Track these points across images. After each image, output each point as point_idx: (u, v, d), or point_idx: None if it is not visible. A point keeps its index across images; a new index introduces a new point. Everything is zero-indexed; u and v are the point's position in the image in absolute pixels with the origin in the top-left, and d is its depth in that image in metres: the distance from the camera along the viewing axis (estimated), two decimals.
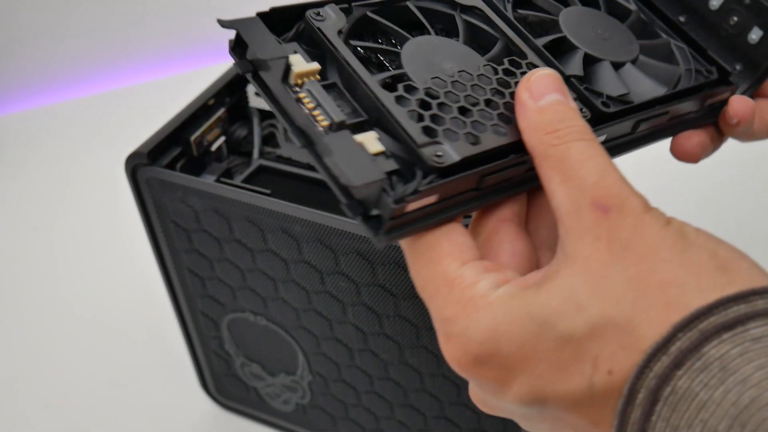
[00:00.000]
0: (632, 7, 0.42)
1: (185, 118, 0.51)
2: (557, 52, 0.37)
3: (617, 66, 0.38)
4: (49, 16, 0.99)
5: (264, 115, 0.56)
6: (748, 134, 0.41)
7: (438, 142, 0.29)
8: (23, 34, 0.99)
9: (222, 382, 0.63)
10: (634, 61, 0.38)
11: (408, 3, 0.36)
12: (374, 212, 0.28)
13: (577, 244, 0.27)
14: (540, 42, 0.37)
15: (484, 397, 0.30)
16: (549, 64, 0.36)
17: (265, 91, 0.31)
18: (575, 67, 0.36)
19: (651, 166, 0.66)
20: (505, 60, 0.34)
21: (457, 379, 0.48)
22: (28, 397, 0.67)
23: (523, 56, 0.35)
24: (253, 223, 0.47)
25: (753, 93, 0.42)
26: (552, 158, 0.29)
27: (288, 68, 0.30)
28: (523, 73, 0.33)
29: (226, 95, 0.54)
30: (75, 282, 0.77)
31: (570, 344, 0.26)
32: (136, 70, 1.04)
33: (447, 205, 0.30)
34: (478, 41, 0.37)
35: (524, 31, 0.37)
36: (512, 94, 0.32)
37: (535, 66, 0.34)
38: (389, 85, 0.31)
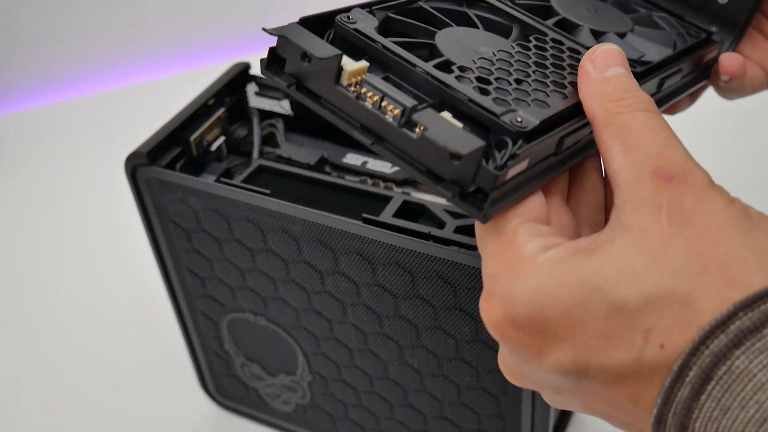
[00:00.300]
0: None
1: (185, 118, 0.50)
2: (563, 27, 0.39)
3: (621, 36, 0.40)
4: (48, 16, 0.99)
5: (264, 115, 0.56)
6: (739, 91, 0.44)
7: (513, 110, 0.29)
8: (23, 34, 0.99)
9: (222, 383, 0.63)
10: (632, 31, 0.41)
11: (421, 3, 0.37)
12: (471, 188, 0.28)
13: (636, 213, 0.27)
14: (549, 23, 0.39)
15: (515, 365, 0.29)
16: (566, 38, 0.37)
17: (314, 99, 0.31)
18: (588, 40, 0.38)
19: None
20: (532, 37, 0.35)
21: (457, 379, 0.48)
22: (28, 397, 0.67)
23: (544, 34, 0.36)
24: (253, 223, 0.47)
25: (735, 46, 0.46)
26: (615, 126, 0.28)
27: (340, 69, 0.30)
28: (553, 47, 0.35)
29: (226, 95, 0.54)
30: (75, 282, 0.77)
31: (622, 313, 0.25)
32: (135, 70, 1.04)
33: (534, 172, 0.30)
34: (495, 30, 0.37)
35: (530, 15, 0.38)
36: (554, 66, 0.33)
37: (560, 41, 0.35)
38: (442, 69, 0.31)
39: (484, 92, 0.30)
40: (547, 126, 0.30)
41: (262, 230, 0.47)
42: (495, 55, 0.33)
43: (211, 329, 0.58)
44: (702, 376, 0.24)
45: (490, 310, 0.27)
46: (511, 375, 0.30)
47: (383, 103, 0.29)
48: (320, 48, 0.30)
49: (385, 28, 0.34)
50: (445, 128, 0.28)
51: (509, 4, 0.39)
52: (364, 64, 0.30)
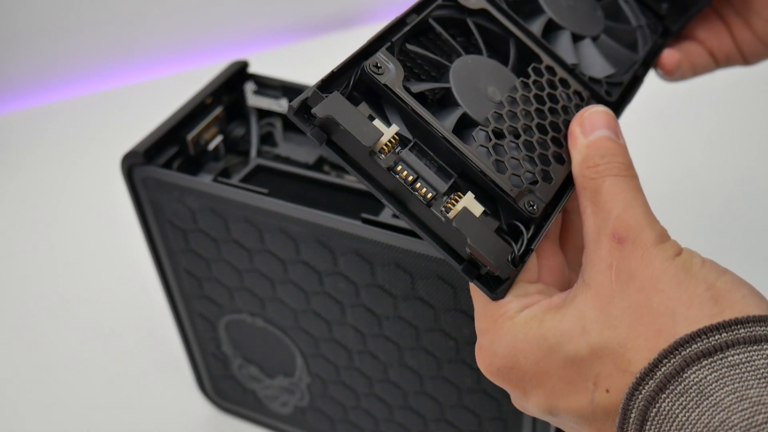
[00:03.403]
0: None
1: (182, 117, 0.50)
2: (547, 30, 0.40)
3: (595, 39, 0.41)
4: (45, 15, 0.99)
5: (262, 113, 0.55)
6: (677, 78, 0.46)
7: (527, 191, 0.32)
8: (20, 33, 0.99)
9: (219, 384, 0.62)
10: (605, 30, 0.42)
11: (430, 20, 0.37)
12: (484, 270, 0.32)
13: (593, 271, 0.31)
14: (536, 29, 0.39)
15: (514, 402, 0.34)
16: (555, 58, 0.38)
17: (344, 156, 0.32)
18: (569, 52, 0.39)
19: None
20: (529, 70, 0.37)
21: (457, 381, 0.48)
22: (24, 399, 0.66)
23: (540, 59, 0.38)
24: (251, 223, 0.47)
25: (682, 30, 0.47)
26: (588, 190, 0.32)
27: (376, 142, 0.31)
28: (549, 80, 0.37)
29: (224, 94, 0.54)
30: (72, 282, 0.76)
31: (576, 364, 0.30)
32: (133, 69, 1.04)
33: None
34: (493, 45, 0.39)
35: (524, 24, 0.39)
36: (551, 111, 0.36)
37: (552, 68, 0.37)
38: (459, 127, 0.33)
39: (500, 167, 0.32)
40: (554, 200, 0.33)
41: (260, 230, 0.47)
42: (503, 104, 0.34)
43: (209, 330, 0.57)
44: (640, 417, 0.27)
45: (480, 360, 0.33)
46: (518, 407, 0.34)
47: (416, 185, 0.31)
48: (366, 132, 0.30)
49: (402, 62, 0.35)
50: (481, 235, 0.30)
51: (503, 3, 0.40)
52: (394, 129, 0.31)
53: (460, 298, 0.43)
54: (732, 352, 0.27)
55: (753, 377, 0.26)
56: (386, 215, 0.45)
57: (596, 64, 0.40)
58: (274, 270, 0.49)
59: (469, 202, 0.31)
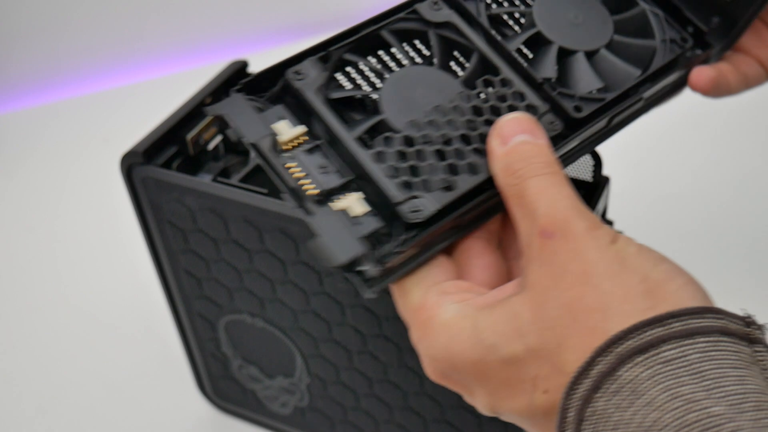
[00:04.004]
0: None
1: (181, 117, 0.50)
2: (534, 45, 0.39)
3: (591, 54, 0.39)
4: (44, 14, 0.99)
5: None
6: (719, 94, 0.44)
7: (414, 197, 0.33)
8: (19, 32, 0.99)
9: (219, 385, 0.62)
10: (608, 45, 0.40)
11: (383, 32, 0.38)
12: (361, 268, 0.32)
13: (528, 271, 0.30)
14: (513, 45, 0.38)
15: (466, 400, 0.33)
16: (521, 72, 0.37)
17: (257, 151, 0.34)
18: (549, 66, 0.38)
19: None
20: (479, 82, 0.36)
21: None
22: (23, 399, 0.66)
23: (497, 72, 0.37)
24: (250, 223, 0.47)
25: (728, 49, 0.44)
26: (513, 197, 0.31)
27: (275, 139, 0.34)
28: (497, 93, 0.36)
29: (223, 93, 0.53)
30: (71, 283, 0.76)
31: (513, 365, 0.29)
32: (132, 69, 1.04)
33: (429, 245, 0.33)
34: (455, 57, 0.38)
35: (496, 37, 0.38)
36: (487, 122, 0.35)
37: (509, 81, 0.37)
38: (372, 133, 0.35)
39: (396, 172, 0.33)
40: (448, 208, 0.33)
41: (260, 230, 0.47)
42: (429, 114, 0.35)
43: (209, 331, 0.57)
44: (577, 417, 0.27)
45: (424, 368, 0.32)
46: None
47: (304, 181, 0.33)
48: (251, 129, 0.34)
49: (341, 68, 0.37)
50: (335, 231, 0.32)
51: (481, 17, 0.39)
52: (300, 130, 0.34)
53: None
54: (665, 348, 0.26)
55: (686, 373, 0.26)
56: None
57: (582, 80, 0.38)
58: (273, 270, 0.49)
59: (352, 201, 0.33)
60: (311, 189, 0.33)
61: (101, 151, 0.82)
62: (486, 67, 0.37)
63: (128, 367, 0.68)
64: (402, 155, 0.34)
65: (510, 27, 0.41)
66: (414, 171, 0.34)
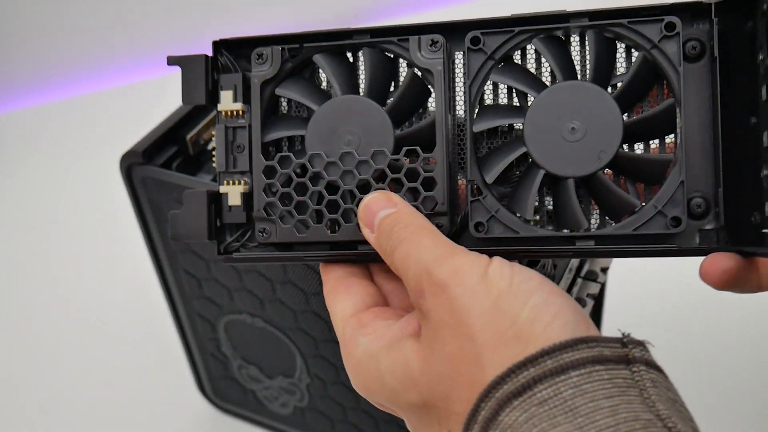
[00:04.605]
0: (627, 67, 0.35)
1: (181, 117, 0.50)
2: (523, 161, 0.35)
3: (586, 180, 0.34)
4: (45, 15, 0.99)
5: None
6: (732, 291, 0.34)
7: (271, 221, 0.35)
8: (18, 32, 0.99)
9: (219, 385, 0.62)
10: (609, 165, 0.33)
11: (360, 53, 0.37)
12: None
13: (411, 324, 0.32)
14: (479, 127, 0.34)
15: None
16: (453, 159, 0.35)
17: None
18: (492, 174, 0.34)
19: None
20: (404, 149, 0.34)
21: None
22: (24, 399, 0.66)
23: (431, 147, 0.34)
24: None
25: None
26: (391, 267, 0.32)
27: (217, 101, 0.36)
28: (411, 171, 0.34)
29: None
30: (70, 282, 0.76)
31: (417, 410, 0.31)
32: (132, 69, 1.04)
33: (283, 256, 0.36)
34: (411, 104, 0.36)
35: (458, 114, 0.35)
36: (394, 180, 0.35)
37: (430, 165, 0.34)
38: (279, 144, 0.37)
39: (271, 190, 0.35)
40: (290, 246, 0.36)
41: None
42: (336, 156, 0.34)
43: (208, 331, 0.57)
44: None
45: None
46: None
47: (213, 153, 0.37)
48: (193, 94, 0.36)
49: (305, 67, 0.37)
50: (193, 213, 0.35)
51: (463, 90, 0.35)
52: (236, 107, 0.36)
53: None
54: (539, 388, 0.27)
55: (560, 412, 0.26)
56: None
57: (566, 211, 0.34)
58: (273, 270, 0.49)
59: (235, 191, 0.36)
60: (213, 162, 0.36)
61: (101, 151, 0.82)
62: (425, 136, 0.34)
63: (128, 367, 0.68)
64: (287, 181, 0.35)
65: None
66: (284, 200, 0.35)
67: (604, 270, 0.48)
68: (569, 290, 0.45)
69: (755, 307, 0.67)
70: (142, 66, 1.04)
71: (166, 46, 1.04)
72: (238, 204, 0.36)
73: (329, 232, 0.35)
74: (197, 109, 0.51)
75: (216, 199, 0.36)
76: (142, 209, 0.50)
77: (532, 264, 0.44)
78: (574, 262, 0.46)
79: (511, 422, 0.27)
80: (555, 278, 0.42)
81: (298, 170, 0.35)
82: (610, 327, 0.62)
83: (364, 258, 0.35)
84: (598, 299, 0.55)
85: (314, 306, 0.49)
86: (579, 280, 0.47)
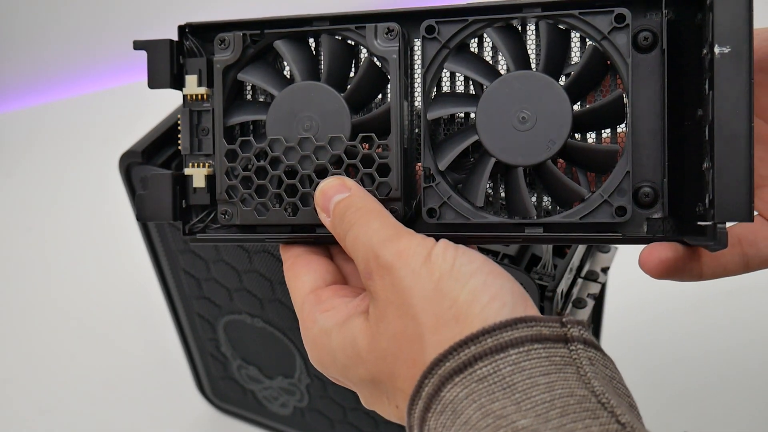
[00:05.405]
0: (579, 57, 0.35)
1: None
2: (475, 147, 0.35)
3: (536, 168, 0.34)
4: (44, 15, 0.98)
5: None
6: (683, 278, 0.34)
7: (233, 203, 0.36)
8: (17, 32, 0.99)
9: (219, 385, 0.62)
10: (559, 155, 0.33)
11: (323, 35, 0.36)
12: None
13: (365, 303, 0.32)
14: (433, 115, 0.34)
15: None
16: (409, 145, 0.35)
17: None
18: (445, 162, 0.34)
19: None
20: (360, 135, 0.35)
21: None
22: (23, 400, 0.66)
23: (386, 133, 0.34)
24: None
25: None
26: (346, 250, 0.33)
27: (182, 84, 0.37)
28: (366, 157, 0.35)
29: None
30: (69, 282, 0.76)
31: (366, 385, 0.32)
32: (131, 68, 1.04)
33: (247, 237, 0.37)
34: (369, 91, 0.36)
35: (414, 101, 0.36)
36: (351, 167, 0.35)
37: (386, 151, 0.34)
38: (245, 128, 0.38)
39: (232, 174, 0.36)
40: (251, 228, 0.37)
41: None
42: (295, 141, 0.35)
43: (208, 331, 0.57)
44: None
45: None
46: None
47: (178, 135, 0.37)
48: (158, 77, 0.38)
49: (267, 53, 0.38)
50: (159, 194, 0.36)
51: (420, 75, 0.35)
52: (201, 90, 0.37)
53: None
54: (480, 365, 0.28)
55: (499, 388, 0.27)
56: None
57: (515, 200, 0.34)
58: (273, 270, 0.48)
59: (199, 173, 0.37)
60: (179, 145, 0.37)
61: (100, 150, 0.82)
62: (381, 123, 0.35)
63: (127, 367, 0.68)
64: (247, 165, 0.36)
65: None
66: (245, 183, 0.36)
67: (605, 270, 0.48)
68: (569, 290, 0.45)
69: (756, 307, 0.67)
70: (141, 66, 1.04)
71: None
72: (203, 186, 0.37)
73: (288, 215, 0.36)
74: None
75: (181, 182, 0.37)
76: None
77: (532, 263, 0.44)
78: (575, 262, 0.46)
79: (453, 398, 0.28)
80: (555, 278, 0.42)
81: (259, 154, 0.36)
82: (611, 327, 0.62)
83: (322, 240, 0.36)
84: (599, 299, 0.55)
85: None
86: (579, 280, 0.47)
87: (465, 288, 0.30)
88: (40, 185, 0.88)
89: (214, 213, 0.37)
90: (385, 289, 0.31)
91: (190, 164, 0.37)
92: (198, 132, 0.37)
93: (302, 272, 0.35)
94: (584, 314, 0.46)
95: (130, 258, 0.74)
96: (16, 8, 0.97)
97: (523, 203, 0.34)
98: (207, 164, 0.37)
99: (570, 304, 0.45)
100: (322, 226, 0.35)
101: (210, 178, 0.37)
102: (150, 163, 0.47)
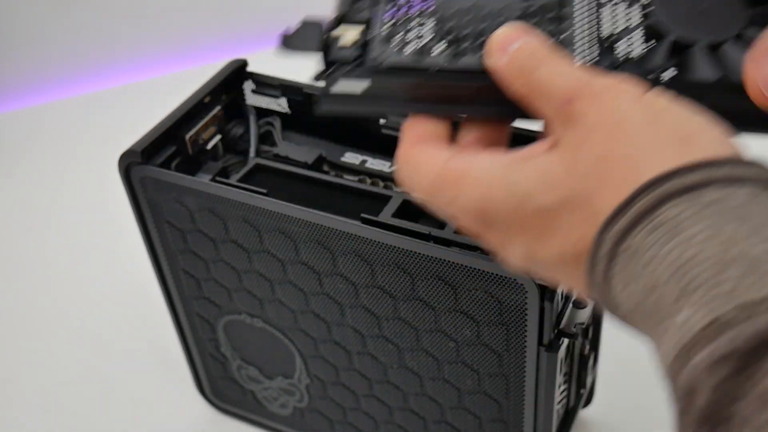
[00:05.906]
0: None
1: (180, 116, 0.50)
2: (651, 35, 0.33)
3: (715, 48, 0.32)
4: (43, 14, 0.98)
5: (261, 113, 0.55)
6: None
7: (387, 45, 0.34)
8: (17, 32, 0.99)
9: (218, 385, 0.62)
10: (739, 36, 0.31)
11: None
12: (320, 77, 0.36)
13: (557, 137, 0.30)
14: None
15: (497, 254, 0.33)
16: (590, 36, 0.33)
17: None
18: (659, 59, 0.32)
19: None
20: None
21: (458, 383, 0.48)
22: (23, 401, 0.66)
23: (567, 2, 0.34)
24: (250, 224, 0.46)
25: None
26: (529, 93, 0.31)
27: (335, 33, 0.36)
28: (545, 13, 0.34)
29: (222, 93, 0.53)
30: (69, 282, 0.76)
31: (545, 216, 0.30)
32: (131, 68, 1.04)
33: (395, 98, 0.35)
34: None
35: None
36: (550, 19, 0.34)
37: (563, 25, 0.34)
38: None
39: (394, 22, 0.35)
40: (402, 72, 0.34)
41: (259, 230, 0.46)
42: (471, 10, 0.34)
43: (208, 331, 0.57)
44: (608, 256, 0.27)
45: (461, 225, 0.33)
46: (501, 262, 0.34)
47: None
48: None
49: None
50: (303, 31, 0.36)
51: None
52: (356, 36, 0.35)
53: (461, 299, 0.42)
54: (707, 191, 0.26)
55: (732, 216, 0.25)
56: (386, 215, 0.44)
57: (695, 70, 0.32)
58: (273, 270, 0.48)
59: (350, 29, 0.36)
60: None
61: (100, 150, 0.82)
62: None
63: (126, 367, 0.68)
64: (410, 17, 0.35)
65: None
66: (405, 28, 0.35)
67: None
68: (570, 290, 0.45)
69: None
70: (141, 66, 1.04)
71: (166, 46, 1.04)
72: (354, 40, 0.35)
73: (450, 58, 0.34)
74: (196, 109, 0.51)
75: (326, 39, 0.36)
76: (141, 209, 0.50)
77: None
78: None
79: (673, 216, 0.26)
80: None
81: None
82: (611, 326, 0.62)
83: (486, 91, 0.33)
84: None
85: (314, 306, 0.49)
86: None
87: (690, 120, 0.28)
88: (40, 185, 0.88)
89: (362, 58, 0.35)
90: (593, 111, 0.29)
91: (342, 26, 0.36)
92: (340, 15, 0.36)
93: (437, 144, 0.34)
94: (584, 315, 0.46)
95: (130, 258, 0.74)
96: (16, 8, 0.97)
97: None
98: (359, 30, 0.35)
99: (570, 304, 0.45)
100: (481, 75, 0.33)
101: (357, 42, 0.35)
102: (150, 163, 0.47)
